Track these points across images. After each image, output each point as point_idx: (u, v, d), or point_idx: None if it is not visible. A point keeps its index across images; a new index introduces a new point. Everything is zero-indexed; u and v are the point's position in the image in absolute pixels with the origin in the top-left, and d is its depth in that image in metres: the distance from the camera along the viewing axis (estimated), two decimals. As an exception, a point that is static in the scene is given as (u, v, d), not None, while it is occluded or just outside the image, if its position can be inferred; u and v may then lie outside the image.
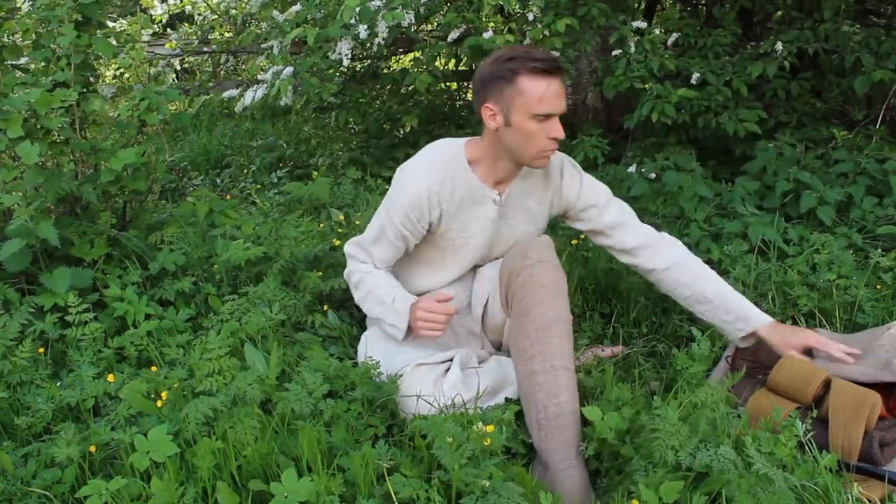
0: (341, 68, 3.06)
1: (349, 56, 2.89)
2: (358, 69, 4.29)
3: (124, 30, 4.70)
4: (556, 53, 1.65)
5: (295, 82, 3.00)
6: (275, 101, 3.06)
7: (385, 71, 4.54)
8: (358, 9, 2.73)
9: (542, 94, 1.57)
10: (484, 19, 3.20)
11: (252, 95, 3.07)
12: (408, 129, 4.12)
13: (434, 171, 1.71)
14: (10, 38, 2.40)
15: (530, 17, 3.14)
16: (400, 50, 4.59)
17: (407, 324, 1.71)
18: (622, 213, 1.84)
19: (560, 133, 1.61)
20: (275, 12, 3.60)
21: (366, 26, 2.76)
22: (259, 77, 3.10)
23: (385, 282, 1.80)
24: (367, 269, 1.83)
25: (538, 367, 1.54)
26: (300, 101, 3.10)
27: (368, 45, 2.92)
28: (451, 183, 1.71)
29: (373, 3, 2.80)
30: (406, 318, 1.71)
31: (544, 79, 1.57)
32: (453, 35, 3.16)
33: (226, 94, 3.22)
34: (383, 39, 2.82)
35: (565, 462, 1.46)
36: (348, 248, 1.88)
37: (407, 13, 2.78)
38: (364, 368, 1.65)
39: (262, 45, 3.85)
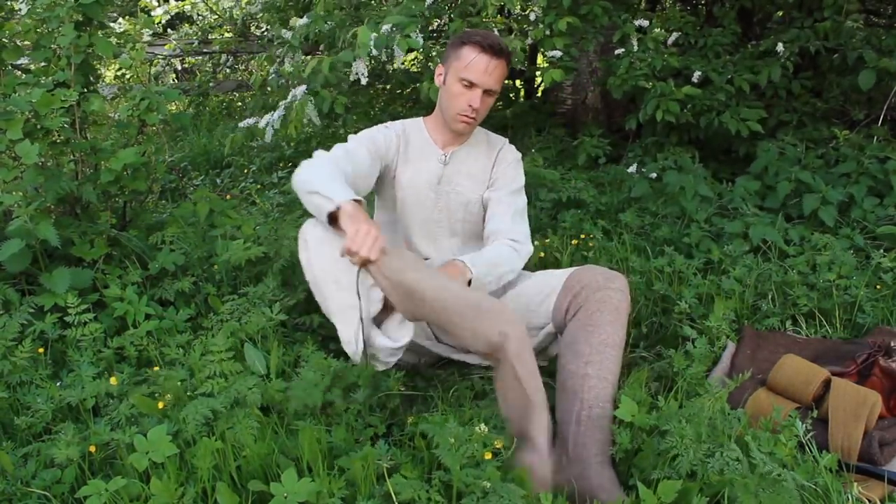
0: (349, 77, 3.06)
1: (366, 75, 2.93)
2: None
3: (125, 30, 4.70)
4: (505, 45, 1.82)
5: (311, 100, 3.01)
6: (298, 122, 3.05)
7: (391, 71, 4.54)
8: (373, 37, 2.75)
9: (472, 62, 1.83)
10: (487, 19, 3.20)
11: (270, 120, 3.06)
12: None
13: (394, 124, 2.03)
14: (11, 39, 2.40)
15: (532, 17, 3.14)
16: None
17: (336, 206, 1.57)
18: (510, 202, 1.98)
19: (475, 103, 1.86)
20: (283, 30, 3.60)
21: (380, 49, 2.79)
22: (281, 103, 3.10)
23: (327, 168, 1.70)
24: (319, 153, 1.78)
25: (592, 372, 1.62)
26: (319, 115, 3.10)
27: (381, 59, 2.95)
28: (407, 134, 2.01)
29: (384, 27, 2.80)
30: (337, 202, 1.58)
31: (482, 53, 1.83)
32: None
33: (244, 123, 3.20)
34: (401, 64, 2.88)
35: (600, 457, 1.51)
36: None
37: (418, 37, 2.79)
38: (364, 369, 1.64)
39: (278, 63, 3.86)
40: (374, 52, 2.78)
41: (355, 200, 1.59)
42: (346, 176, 1.74)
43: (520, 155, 2.07)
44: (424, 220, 2.00)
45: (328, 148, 1.83)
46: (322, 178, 1.65)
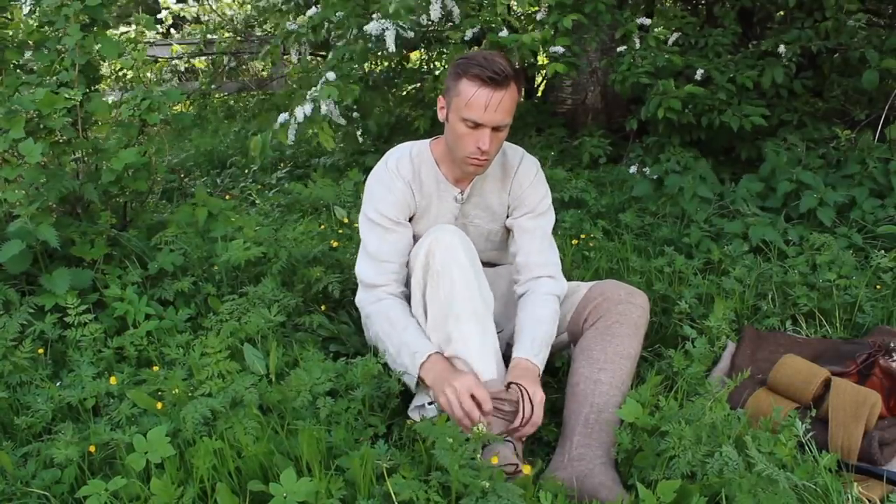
0: (360, 74, 3.06)
1: (394, 46, 2.88)
2: (374, 76, 4.26)
3: (127, 31, 4.71)
4: (508, 69, 1.61)
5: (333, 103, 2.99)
6: (327, 133, 3.03)
7: (404, 66, 4.53)
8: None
9: (472, 99, 1.60)
10: (498, 18, 3.20)
11: (302, 114, 3.03)
12: (419, 132, 4.11)
13: (404, 165, 1.80)
14: (14, 39, 2.41)
15: (539, 17, 3.12)
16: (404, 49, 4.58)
17: (417, 376, 1.62)
18: (535, 228, 1.85)
19: (485, 145, 1.63)
20: (289, 22, 3.61)
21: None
22: (305, 101, 3.08)
23: (389, 326, 1.71)
24: (372, 301, 1.77)
25: (605, 379, 1.64)
26: (337, 111, 3.08)
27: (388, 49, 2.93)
28: (419, 176, 1.80)
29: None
30: (416, 370, 1.62)
31: (483, 87, 1.60)
32: (469, 35, 3.15)
33: (282, 118, 3.16)
34: (433, 21, 2.82)
35: (604, 458, 1.52)
36: (357, 270, 1.82)
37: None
38: (365, 369, 1.64)
39: (285, 58, 3.87)
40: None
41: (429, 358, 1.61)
42: (400, 283, 1.77)
43: (538, 166, 1.88)
44: None
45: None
46: (389, 349, 1.68)
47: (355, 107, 3.51)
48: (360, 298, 1.81)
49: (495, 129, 1.64)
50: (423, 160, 1.81)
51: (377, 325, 1.73)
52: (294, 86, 3.39)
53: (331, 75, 3.00)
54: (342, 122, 3.11)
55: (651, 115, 3.26)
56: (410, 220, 1.83)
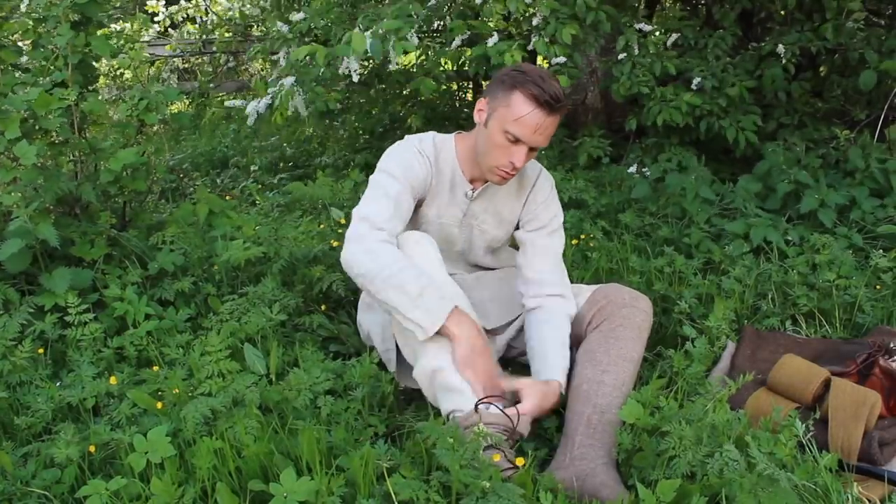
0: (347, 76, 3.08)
1: (357, 71, 2.92)
2: (362, 73, 4.27)
3: (123, 29, 4.71)
4: (563, 96, 1.61)
5: (301, 91, 3.02)
6: (283, 111, 3.07)
7: (389, 70, 4.55)
8: (370, 43, 2.74)
9: (523, 116, 1.61)
10: (491, 25, 3.19)
11: (255, 106, 3.09)
12: (412, 130, 4.11)
13: (427, 145, 1.80)
14: (10, 38, 2.40)
15: (535, 21, 3.11)
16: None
17: (439, 327, 1.53)
18: (548, 246, 1.87)
19: (519, 162, 1.65)
20: (279, 23, 3.61)
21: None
22: (270, 90, 3.13)
23: (409, 259, 1.59)
24: (380, 239, 1.62)
25: (608, 381, 1.64)
26: (309, 109, 3.12)
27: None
28: (438, 160, 1.80)
29: (378, 29, 2.78)
30: (441, 320, 1.53)
31: (538, 109, 1.60)
32: (457, 42, 3.15)
33: (229, 103, 3.24)
34: (397, 64, 2.89)
35: (605, 458, 1.53)
36: (359, 209, 1.68)
37: (413, 38, 2.78)
38: (364, 369, 1.64)
39: (273, 57, 3.90)
40: (370, 55, 2.77)
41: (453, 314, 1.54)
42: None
43: (553, 184, 1.91)
44: (446, 252, 1.84)
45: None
46: (399, 295, 1.53)
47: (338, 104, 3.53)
48: (361, 233, 1.61)
49: (532, 148, 1.66)
50: (445, 147, 1.81)
51: (387, 257, 1.57)
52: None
53: (288, 80, 3.03)
54: (304, 112, 3.14)
55: (649, 122, 3.27)
56: (419, 205, 1.81)
